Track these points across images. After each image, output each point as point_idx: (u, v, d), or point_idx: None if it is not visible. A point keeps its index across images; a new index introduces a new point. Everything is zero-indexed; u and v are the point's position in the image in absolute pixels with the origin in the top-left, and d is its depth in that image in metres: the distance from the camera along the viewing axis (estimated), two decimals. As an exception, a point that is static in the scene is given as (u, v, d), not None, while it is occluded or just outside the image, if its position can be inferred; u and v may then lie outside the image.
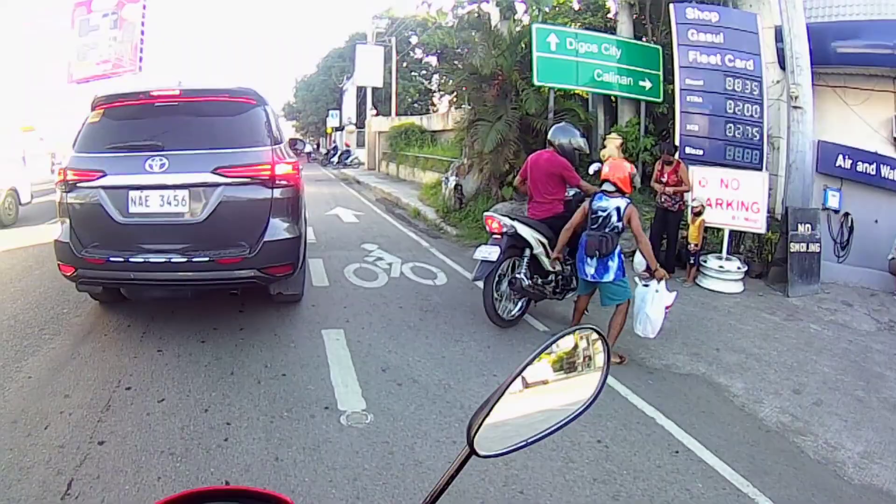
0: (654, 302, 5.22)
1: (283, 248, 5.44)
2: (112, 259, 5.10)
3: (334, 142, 36.76)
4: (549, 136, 6.59)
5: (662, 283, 5.23)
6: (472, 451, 1.01)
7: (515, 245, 6.02)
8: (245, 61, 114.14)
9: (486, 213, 6.45)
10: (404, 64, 43.30)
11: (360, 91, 42.97)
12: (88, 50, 32.87)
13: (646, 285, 5.33)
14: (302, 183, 6.05)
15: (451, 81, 15.68)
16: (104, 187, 5.11)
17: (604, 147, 10.29)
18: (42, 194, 13.54)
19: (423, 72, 49.34)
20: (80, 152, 5.34)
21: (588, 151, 7.79)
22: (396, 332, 5.89)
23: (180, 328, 5.74)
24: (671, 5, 9.70)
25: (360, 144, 38.32)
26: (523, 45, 11.60)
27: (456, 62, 14.89)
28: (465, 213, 12.45)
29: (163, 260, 5.12)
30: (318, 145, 54.07)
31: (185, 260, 5.13)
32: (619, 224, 5.29)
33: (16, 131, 14.95)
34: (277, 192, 5.35)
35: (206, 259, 5.14)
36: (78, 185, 5.18)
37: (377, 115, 35.19)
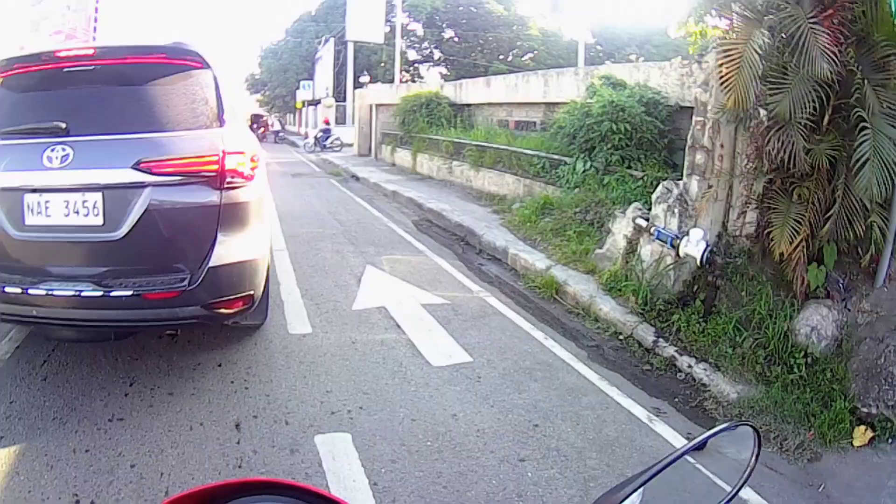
0: None
1: (237, 273, 3.71)
2: (7, 289, 3.47)
3: (325, 120, 28.35)
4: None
5: None
6: None
7: None
8: (206, 29, 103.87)
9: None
10: (387, 29, 35.09)
11: (339, 56, 35.14)
12: (42, 20, 30.06)
13: None
14: (263, 179, 4.62)
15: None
16: None
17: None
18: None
19: (408, 39, 41.71)
20: None
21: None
22: None
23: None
24: None
25: (341, 121, 30.21)
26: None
27: None
28: (723, 323, 4.66)
29: (70, 293, 3.45)
30: (284, 123, 45.96)
31: (99, 293, 3.45)
32: None
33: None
34: (229, 194, 3.64)
35: (130, 293, 3.46)
36: None
37: (371, 81, 26.77)
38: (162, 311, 3.63)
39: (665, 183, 5.54)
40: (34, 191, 3.48)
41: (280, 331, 4.84)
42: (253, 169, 3.98)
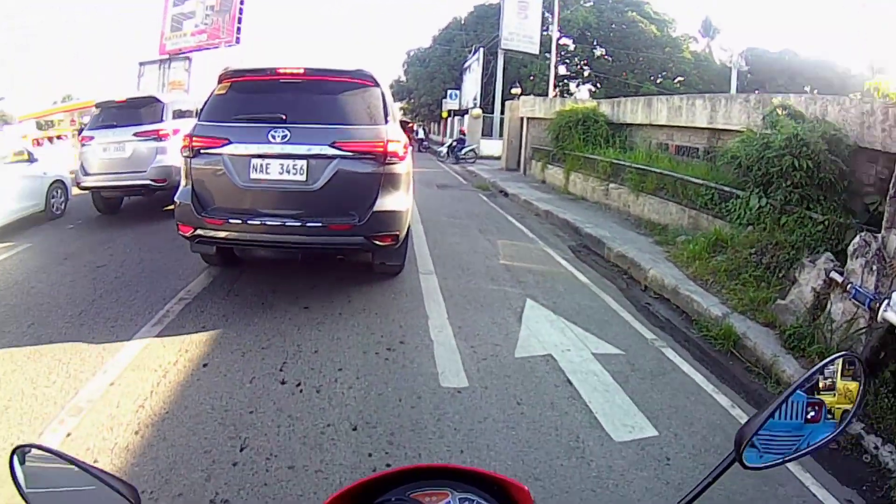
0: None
1: (390, 219, 5.44)
2: (231, 220, 5.27)
3: (462, 130, 28.85)
4: None
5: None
6: (739, 461, 1.00)
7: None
8: (349, 33, 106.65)
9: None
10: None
11: (488, 66, 35.06)
12: (184, 19, 32.17)
13: None
14: (410, 162, 6.14)
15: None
16: (228, 154, 5.28)
17: None
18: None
19: (559, 54, 41.13)
20: (205, 121, 5.52)
21: None
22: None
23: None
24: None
25: (487, 134, 30.45)
26: None
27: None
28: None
29: (278, 223, 5.27)
30: (428, 132, 46.60)
31: (299, 224, 5.25)
32: None
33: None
34: (388, 168, 5.39)
35: (319, 224, 5.26)
36: (202, 151, 5.36)
37: (522, 93, 26.56)
38: (338, 238, 5.41)
39: (863, 235, 5.06)
40: (259, 156, 5.24)
41: (430, 382, 4.21)
42: (404, 152, 5.73)
